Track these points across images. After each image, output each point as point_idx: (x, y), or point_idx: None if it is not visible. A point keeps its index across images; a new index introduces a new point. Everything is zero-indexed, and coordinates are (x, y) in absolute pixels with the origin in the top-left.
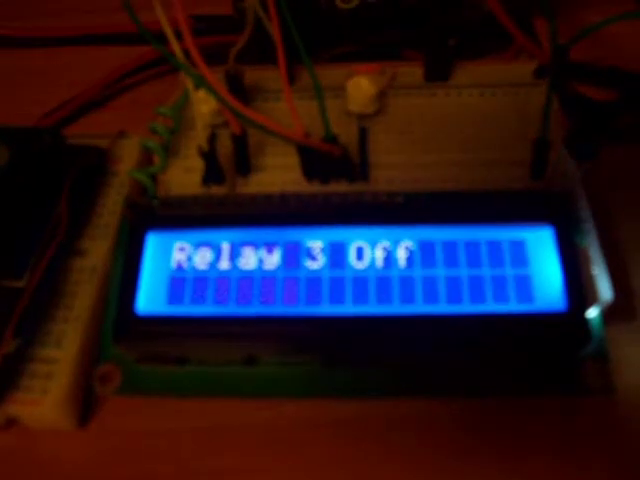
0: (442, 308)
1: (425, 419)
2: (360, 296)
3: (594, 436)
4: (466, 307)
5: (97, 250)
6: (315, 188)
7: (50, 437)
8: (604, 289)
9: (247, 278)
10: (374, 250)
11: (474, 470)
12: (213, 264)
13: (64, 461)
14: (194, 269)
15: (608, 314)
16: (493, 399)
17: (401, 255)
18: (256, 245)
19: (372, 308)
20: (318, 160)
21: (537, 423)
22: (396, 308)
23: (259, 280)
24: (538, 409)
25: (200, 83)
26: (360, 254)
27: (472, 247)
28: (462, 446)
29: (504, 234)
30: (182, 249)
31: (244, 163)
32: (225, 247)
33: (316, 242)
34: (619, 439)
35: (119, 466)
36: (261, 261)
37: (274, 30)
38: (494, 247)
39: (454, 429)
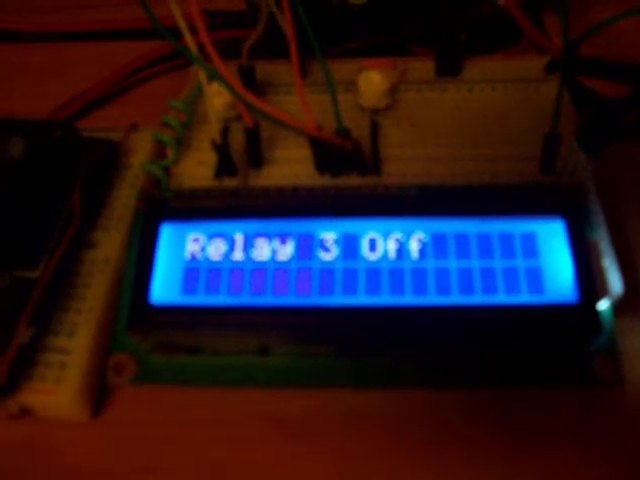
0: (454, 299)
1: (436, 410)
2: (373, 287)
3: (604, 428)
4: (478, 298)
5: (110, 242)
6: (327, 181)
7: (64, 427)
8: (614, 282)
9: (260, 269)
10: (387, 242)
11: (486, 460)
12: (227, 255)
13: (77, 451)
14: (208, 260)
15: (617, 307)
16: (504, 390)
17: (413, 247)
18: (269, 236)
19: (384, 299)
20: (330, 153)
21: (547, 414)
22: (408, 299)
23: (272, 271)
24: (547, 401)
25: (214, 76)
26: (373, 246)
27: (484, 239)
28: (473, 436)
29: (515, 226)
30: (196, 240)
31: (256, 156)
32: (239, 238)
33: (329, 233)
34: (628, 431)
35: (132, 456)
36: (274, 252)
37: (287, 25)
38: (506, 239)
39: (464, 419)
